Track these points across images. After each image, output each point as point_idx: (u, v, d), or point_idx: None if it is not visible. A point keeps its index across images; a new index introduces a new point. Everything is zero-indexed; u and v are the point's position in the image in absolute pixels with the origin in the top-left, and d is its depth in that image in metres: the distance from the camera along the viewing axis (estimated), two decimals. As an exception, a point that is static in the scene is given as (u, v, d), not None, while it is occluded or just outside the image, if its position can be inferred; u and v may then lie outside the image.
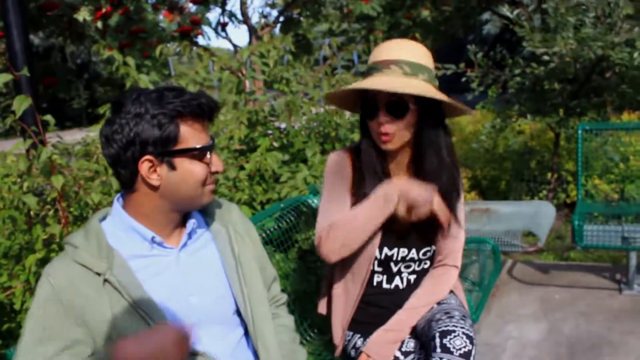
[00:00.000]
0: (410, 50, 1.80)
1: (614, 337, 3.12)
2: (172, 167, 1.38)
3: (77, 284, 1.33)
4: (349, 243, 1.83)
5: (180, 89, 1.40)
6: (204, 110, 1.39)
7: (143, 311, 1.35)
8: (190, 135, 1.38)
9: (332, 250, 1.84)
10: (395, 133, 1.79)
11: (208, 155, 1.43)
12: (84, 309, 1.32)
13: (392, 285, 1.97)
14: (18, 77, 2.12)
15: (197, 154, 1.40)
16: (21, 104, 1.99)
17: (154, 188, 1.39)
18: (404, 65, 1.76)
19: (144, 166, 1.36)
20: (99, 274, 1.34)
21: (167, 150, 1.36)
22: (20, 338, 1.33)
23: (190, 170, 1.39)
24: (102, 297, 1.33)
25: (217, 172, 1.46)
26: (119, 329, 1.33)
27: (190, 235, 1.50)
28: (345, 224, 1.83)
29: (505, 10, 4.82)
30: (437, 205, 1.83)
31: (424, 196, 1.77)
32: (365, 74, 1.86)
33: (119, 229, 1.43)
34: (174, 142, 1.36)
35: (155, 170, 1.37)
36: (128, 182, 1.41)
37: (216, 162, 1.46)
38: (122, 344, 1.15)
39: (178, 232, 1.50)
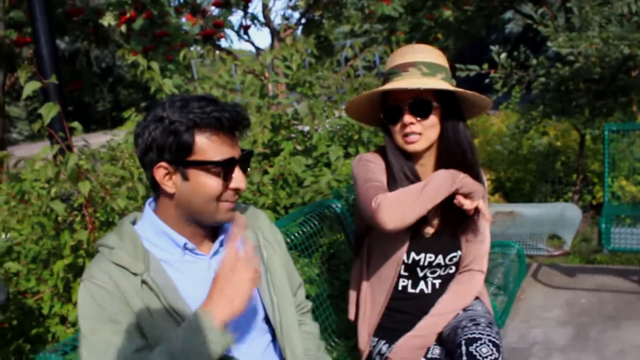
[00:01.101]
0: (426, 52, 1.83)
1: (642, 342, 3.07)
2: (185, 177, 1.36)
3: (118, 282, 1.32)
4: (410, 214, 1.71)
5: (210, 100, 1.37)
6: (223, 124, 1.35)
7: (177, 314, 1.35)
8: (208, 147, 1.35)
9: (391, 218, 1.69)
10: (422, 133, 1.79)
11: (227, 171, 1.38)
12: (128, 301, 1.32)
13: (418, 290, 1.96)
14: (46, 85, 2.15)
15: (213, 168, 1.36)
16: (49, 111, 2.01)
17: (170, 195, 1.39)
18: (422, 66, 1.79)
19: (159, 172, 1.36)
20: (135, 275, 1.34)
21: (180, 159, 1.35)
22: (85, 340, 1.31)
23: (203, 183, 1.36)
24: (140, 297, 1.33)
25: (238, 190, 1.41)
26: (153, 329, 1.33)
27: (222, 243, 1.50)
28: (411, 194, 1.73)
29: (528, 9, 4.76)
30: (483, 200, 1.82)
31: (479, 186, 1.77)
32: (384, 80, 1.87)
33: (151, 233, 1.43)
34: (188, 152, 1.34)
35: (170, 178, 1.37)
36: (152, 186, 1.42)
37: (238, 178, 1.40)
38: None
39: (210, 239, 1.50)
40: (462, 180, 1.74)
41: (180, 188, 1.37)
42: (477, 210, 1.80)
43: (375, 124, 2.07)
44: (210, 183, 1.37)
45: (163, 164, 1.35)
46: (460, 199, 1.76)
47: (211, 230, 1.50)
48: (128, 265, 1.34)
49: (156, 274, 1.36)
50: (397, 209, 1.70)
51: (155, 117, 1.35)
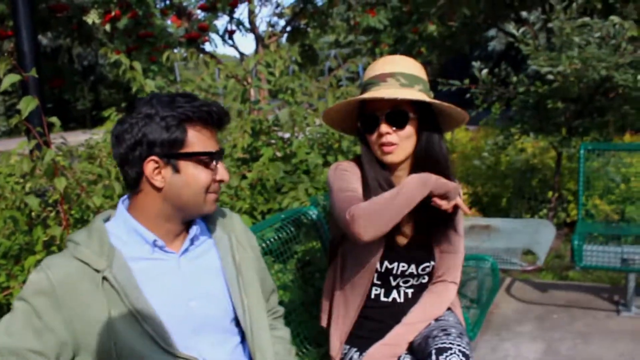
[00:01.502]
0: (404, 64, 1.84)
1: (611, 358, 3.11)
2: (177, 170, 1.39)
3: (75, 280, 1.32)
4: (384, 223, 1.70)
5: (193, 96, 1.42)
6: (213, 118, 1.41)
7: (139, 314, 1.34)
8: (198, 140, 1.40)
9: (366, 230, 1.68)
10: (398, 144, 1.80)
11: (214, 163, 1.44)
12: (76, 310, 1.31)
13: (390, 299, 1.96)
14: (26, 78, 2.12)
15: (203, 160, 1.41)
16: (28, 105, 1.99)
17: (158, 190, 1.40)
18: (400, 77, 1.80)
19: (149, 166, 1.38)
20: (97, 271, 1.34)
21: (172, 152, 1.38)
22: (8, 316, 1.32)
23: (194, 175, 1.40)
24: (100, 296, 1.33)
25: (222, 181, 1.47)
26: (113, 329, 1.32)
27: (192, 241, 1.51)
28: (384, 202, 1.71)
29: (511, 27, 4.83)
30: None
31: (453, 184, 1.78)
32: (362, 90, 1.87)
33: (122, 231, 1.43)
34: (180, 146, 1.38)
35: (160, 172, 1.39)
36: (134, 183, 1.42)
37: (222, 171, 1.46)
38: None
39: (181, 237, 1.50)
40: (435, 182, 1.74)
41: (171, 181, 1.40)
42: (455, 207, 1.81)
43: (351, 132, 2.08)
44: (201, 175, 1.41)
45: (154, 157, 1.37)
46: (437, 201, 1.77)
47: (184, 228, 1.50)
48: (90, 261, 1.34)
49: (119, 272, 1.36)
50: (371, 220, 1.69)
51: (144, 113, 1.37)
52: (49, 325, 1.30)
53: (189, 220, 1.49)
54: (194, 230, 1.50)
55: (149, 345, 1.34)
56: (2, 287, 2.17)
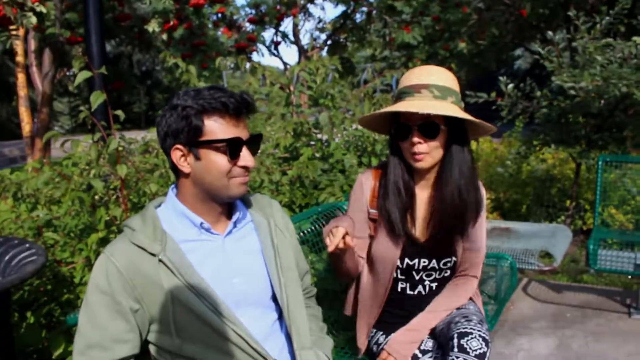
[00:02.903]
0: (439, 75, 1.80)
1: (620, 357, 3.05)
2: (198, 157, 1.41)
3: (136, 263, 1.38)
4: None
5: (219, 88, 1.42)
6: (228, 107, 1.39)
7: (194, 288, 1.38)
8: (216, 129, 1.40)
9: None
10: (428, 152, 1.79)
11: (236, 149, 1.42)
12: (143, 287, 1.37)
13: (416, 292, 1.96)
14: (96, 75, 2.19)
15: (221, 147, 1.41)
16: (97, 98, 2.06)
17: (186, 175, 1.44)
18: (434, 89, 1.77)
19: (175, 154, 1.42)
20: (153, 255, 1.38)
21: (193, 141, 1.40)
22: (86, 304, 1.37)
23: (213, 161, 1.41)
24: (159, 275, 1.38)
25: (246, 167, 1.45)
26: (175, 302, 1.38)
27: (235, 224, 1.54)
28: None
29: (536, 46, 4.77)
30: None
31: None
32: (397, 98, 1.86)
33: (172, 215, 1.48)
34: (199, 134, 1.39)
35: (186, 159, 1.42)
36: (174, 170, 1.47)
37: (246, 157, 1.45)
38: None
39: (224, 220, 1.53)
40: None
41: (194, 167, 1.42)
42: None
43: (382, 132, 2.08)
44: (219, 160, 1.41)
45: (178, 146, 1.41)
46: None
47: (226, 210, 1.53)
48: (146, 246, 1.39)
49: (173, 254, 1.40)
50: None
51: (170, 105, 1.41)
52: (127, 305, 1.36)
53: (224, 202, 1.50)
54: (237, 214, 1.53)
55: (203, 313, 1.38)
56: (67, 262, 2.24)
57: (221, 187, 1.44)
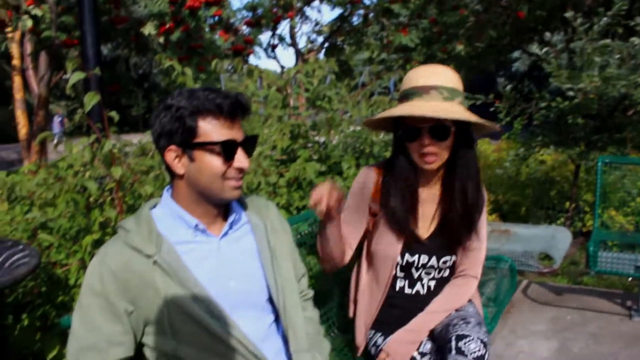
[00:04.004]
0: (446, 76, 1.79)
1: (621, 359, 3.04)
2: (192, 158, 1.39)
3: (131, 264, 1.36)
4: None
5: (214, 89, 1.40)
6: (222, 109, 1.37)
7: (189, 290, 1.37)
8: (210, 130, 1.37)
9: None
10: (438, 154, 1.78)
11: (231, 151, 1.40)
12: (138, 289, 1.36)
13: (414, 291, 1.95)
14: (90, 76, 2.18)
15: (216, 149, 1.38)
16: (91, 99, 2.04)
17: (181, 176, 1.42)
18: (443, 90, 1.75)
19: (169, 155, 1.40)
20: (148, 256, 1.37)
21: (187, 142, 1.38)
22: (79, 306, 1.36)
23: (207, 162, 1.39)
24: (153, 277, 1.36)
25: (241, 169, 1.43)
26: (170, 304, 1.36)
27: (231, 226, 1.52)
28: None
29: (534, 48, 4.78)
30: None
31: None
32: (403, 98, 1.83)
33: (167, 216, 1.46)
34: (193, 135, 1.37)
35: (179, 160, 1.40)
36: (168, 171, 1.45)
37: (241, 159, 1.42)
38: None
39: (220, 221, 1.51)
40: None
41: (189, 169, 1.40)
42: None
43: (385, 130, 2.07)
44: (214, 162, 1.39)
45: (172, 147, 1.39)
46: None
47: (222, 211, 1.51)
48: (141, 247, 1.37)
49: (168, 256, 1.38)
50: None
51: (164, 105, 1.39)
52: (122, 306, 1.35)
53: (219, 203, 1.48)
54: (233, 215, 1.52)
55: (198, 315, 1.37)
56: (62, 264, 2.22)
57: (216, 188, 1.42)
